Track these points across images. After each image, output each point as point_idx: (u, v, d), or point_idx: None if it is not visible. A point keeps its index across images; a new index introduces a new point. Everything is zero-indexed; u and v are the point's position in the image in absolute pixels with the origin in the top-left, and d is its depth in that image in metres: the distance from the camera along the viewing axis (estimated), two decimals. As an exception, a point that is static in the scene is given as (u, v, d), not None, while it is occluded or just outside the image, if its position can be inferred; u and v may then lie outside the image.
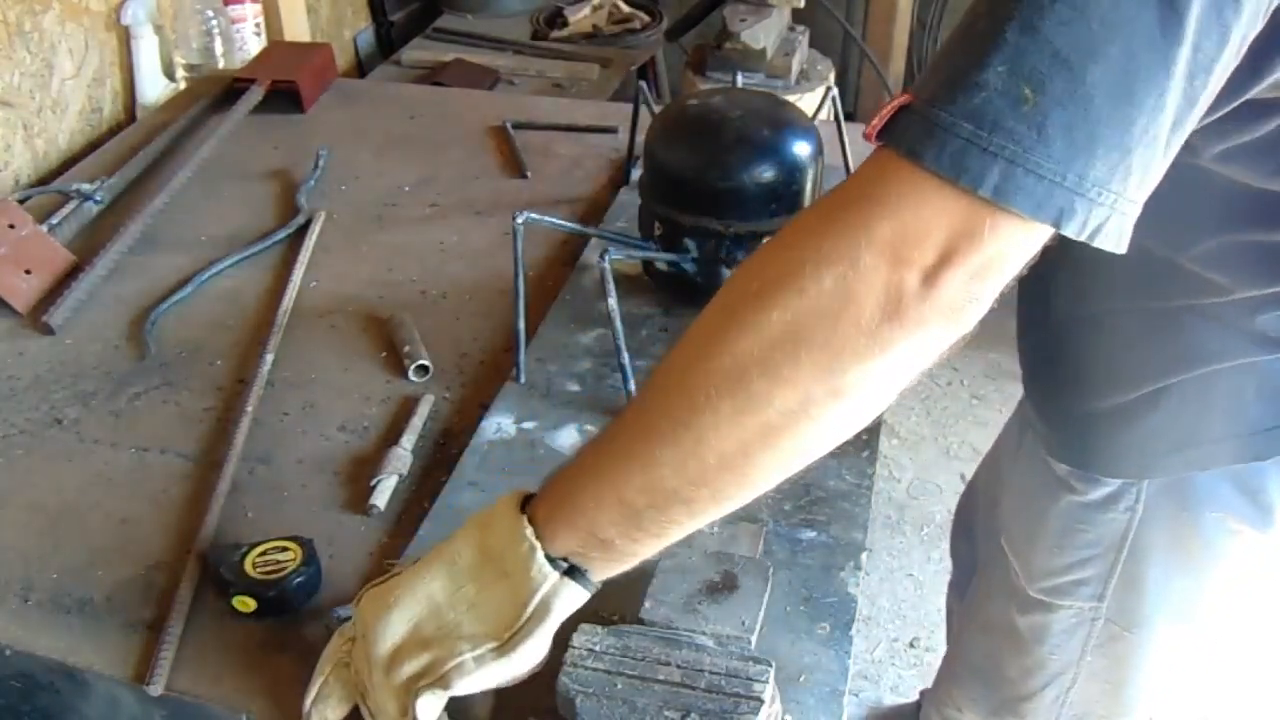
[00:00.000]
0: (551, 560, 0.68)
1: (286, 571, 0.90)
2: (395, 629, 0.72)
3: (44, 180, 1.69)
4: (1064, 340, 0.96)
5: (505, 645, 0.69)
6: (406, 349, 1.21)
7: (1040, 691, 1.10)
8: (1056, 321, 0.96)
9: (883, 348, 0.58)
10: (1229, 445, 0.88)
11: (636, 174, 1.36)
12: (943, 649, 1.88)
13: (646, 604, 0.81)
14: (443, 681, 0.70)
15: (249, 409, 1.13)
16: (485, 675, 0.70)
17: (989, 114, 0.55)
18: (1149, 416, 0.89)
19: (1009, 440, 1.19)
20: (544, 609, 0.69)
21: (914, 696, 1.87)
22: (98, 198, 1.51)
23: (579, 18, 2.77)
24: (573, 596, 0.69)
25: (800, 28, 2.34)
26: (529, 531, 0.68)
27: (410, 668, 0.71)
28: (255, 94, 1.78)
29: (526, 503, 0.71)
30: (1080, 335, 0.94)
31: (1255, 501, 0.90)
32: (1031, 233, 0.57)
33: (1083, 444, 0.95)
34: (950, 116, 0.55)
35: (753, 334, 0.60)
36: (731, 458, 0.62)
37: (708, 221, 1.19)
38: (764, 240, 1.18)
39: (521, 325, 1.16)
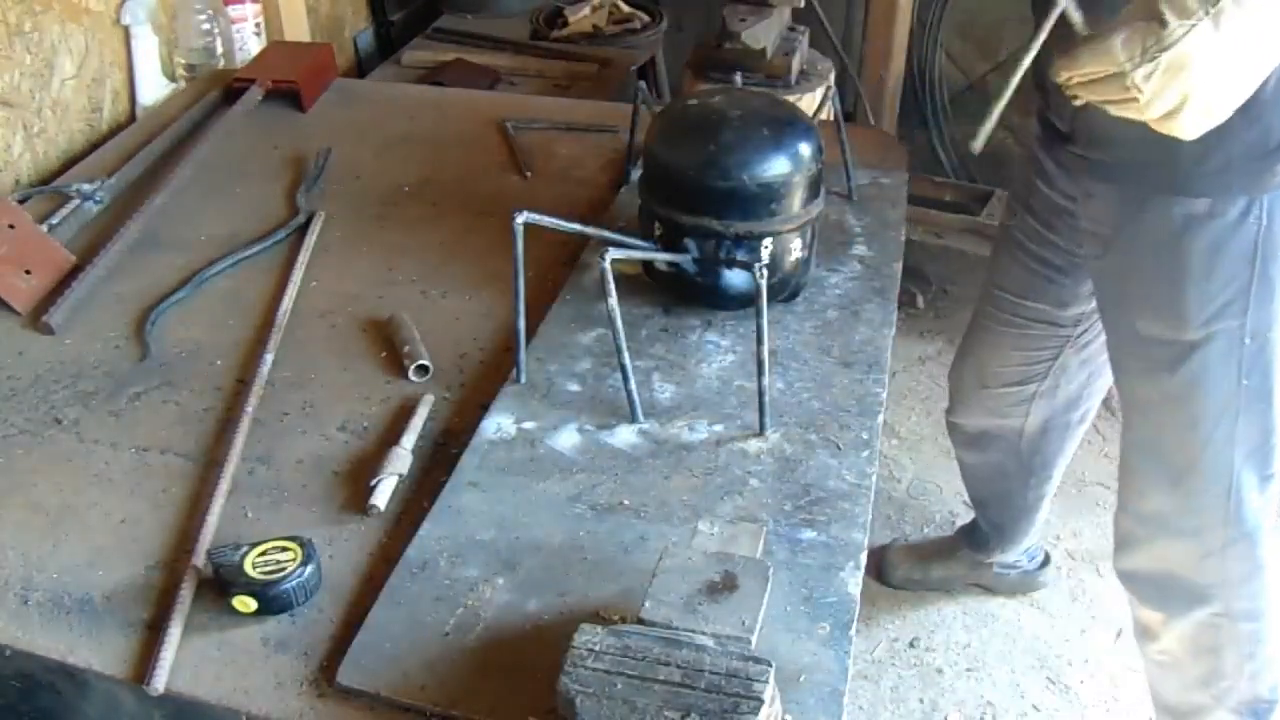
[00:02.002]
0: None
1: (286, 571, 0.90)
2: None
3: (44, 180, 1.69)
4: None
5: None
6: (406, 349, 1.21)
7: (1210, 438, 1.26)
8: None
9: None
10: None
11: (636, 174, 1.36)
12: (943, 650, 1.89)
13: (646, 604, 0.81)
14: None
15: (249, 409, 1.13)
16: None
17: None
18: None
19: (1127, 233, 1.26)
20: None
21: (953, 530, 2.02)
22: (98, 198, 1.51)
23: (579, 18, 2.77)
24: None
25: (800, 28, 2.34)
26: None
27: None
28: (255, 94, 1.78)
29: None
30: None
31: None
32: None
33: (1218, 174, 1.13)
34: None
35: None
36: None
37: (708, 221, 1.19)
38: (763, 241, 1.20)
39: (521, 325, 1.16)
